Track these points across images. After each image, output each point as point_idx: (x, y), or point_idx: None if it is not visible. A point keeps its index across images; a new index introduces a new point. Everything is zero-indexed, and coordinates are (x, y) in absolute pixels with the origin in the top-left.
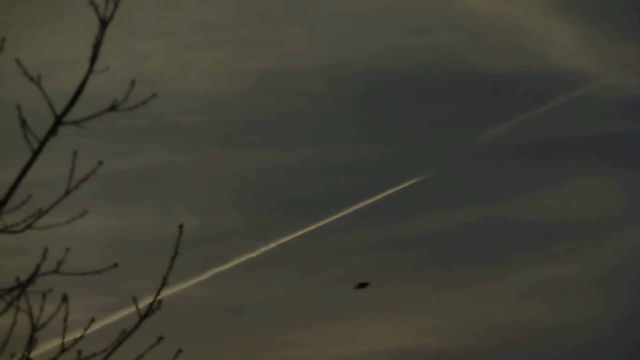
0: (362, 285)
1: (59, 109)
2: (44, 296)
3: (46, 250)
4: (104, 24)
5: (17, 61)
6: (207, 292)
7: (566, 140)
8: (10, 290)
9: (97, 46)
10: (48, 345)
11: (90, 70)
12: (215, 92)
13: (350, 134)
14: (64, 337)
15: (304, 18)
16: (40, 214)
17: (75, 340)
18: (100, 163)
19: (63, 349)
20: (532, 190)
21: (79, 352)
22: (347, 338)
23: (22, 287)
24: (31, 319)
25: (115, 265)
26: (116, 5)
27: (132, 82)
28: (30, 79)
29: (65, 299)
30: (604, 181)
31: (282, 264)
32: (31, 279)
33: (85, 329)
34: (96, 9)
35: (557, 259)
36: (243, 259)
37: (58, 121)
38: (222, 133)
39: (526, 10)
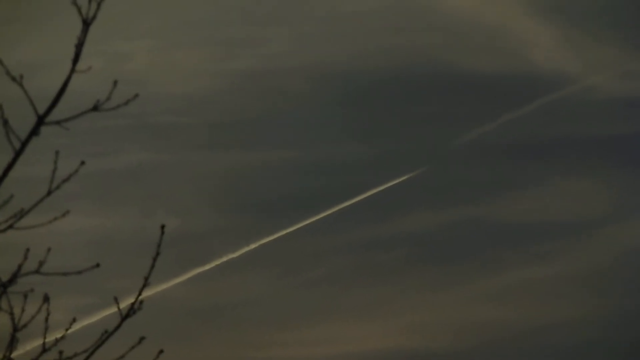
0: None
1: (42, 109)
2: (25, 296)
3: (28, 250)
4: (86, 24)
5: (0, 61)
6: (189, 293)
7: (549, 141)
8: None
9: (79, 46)
10: (29, 345)
11: (72, 71)
12: (198, 92)
13: (333, 134)
14: (45, 337)
15: (288, 18)
16: (22, 214)
17: (57, 341)
18: (82, 163)
19: (44, 349)
20: (515, 191)
21: (61, 352)
22: (329, 338)
23: (3, 287)
24: (12, 319)
25: (97, 265)
26: (99, 5)
27: (115, 82)
28: (13, 79)
29: (46, 299)
30: (587, 182)
31: (263, 264)
32: (13, 279)
33: (67, 329)
34: (79, 9)
35: (540, 260)
36: (225, 259)
37: (40, 121)
38: (205, 133)
39: (509, 12)
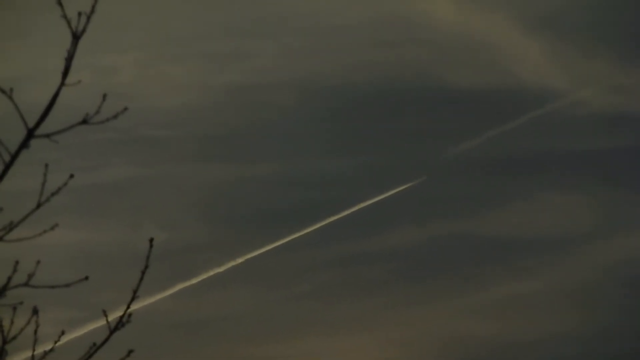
0: None
1: (31, 122)
2: (14, 309)
3: (17, 263)
4: (76, 37)
5: None
6: (175, 306)
7: (535, 156)
8: None
9: (69, 60)
10: (18, 357)
11: (62, 84)
12: (184, 105)
13: (318, 148)
14: (34, 350)
15: (274, 32)
16: (11, 226)
17: (45, 353)
18: (71, 176)
19: None
20: (499, 206)
21: None
22: (314, 352)
23: None
24: (2, 331)
25: (86, 278)
26: (88, 19)
27: (104, 96)
28: (2, 91)
29: (35, 311)
30: (572, 197)
31: (249, 279)
32: (2, 292)
33: (56, 342)
34: (68, 22)
35: (524, 275)
36: (211, 273)
37: (30, 134)
38: (191, 147)
39: (495, 26)
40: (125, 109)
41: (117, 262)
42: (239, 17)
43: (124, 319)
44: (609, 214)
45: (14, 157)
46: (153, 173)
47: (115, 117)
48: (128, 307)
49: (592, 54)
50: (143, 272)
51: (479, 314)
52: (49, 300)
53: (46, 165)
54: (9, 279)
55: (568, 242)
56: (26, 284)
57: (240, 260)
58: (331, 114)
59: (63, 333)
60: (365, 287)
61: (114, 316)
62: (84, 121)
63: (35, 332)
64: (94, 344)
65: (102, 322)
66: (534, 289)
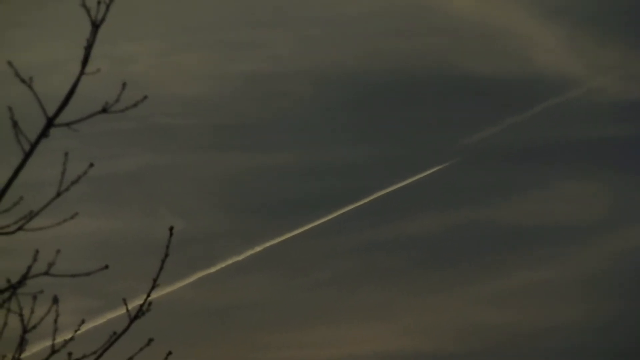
0: None
1: (51, 111)
2: (34, 298)
3: (37, 252)
4: (95, 26)
5: (9, 63)
6: (195, 295)
7: (552, 144)
8: (1, 292)
9: (88, 48)
10: (38, 346)
11: (82, 73)
12: (202, 94)
13: (337, 137)
14: (54, 339)
15: (291, 21)
16: (31, 215)
17: (66, 342)
18: (91, 165)
19: (53, 350)
20: (518, 194)
21: (70, 354)
22: (333, 340)
23: (13, 288)
24: (22, 320)
25: (106, 267)
26: (108, 7)
27: (124, 84)
28: (22, 80)
29: (56, 300)
30: (591, 185)
31: (268, 267)
32: (22, 281)
33: (76, 331)
34: (88, 11)
35: (542, 263)
36: (229, 262)
37: (50, 123)
38: (209, 136)
39: (513, 14)
40: (145, 97)
41: (136, 250)
42: (257, 6)
43: (144, 308)
44: (627, 201)
45: (34, 146)
46: (171, 162)
47: (135, 105)
48: (148, 296)
49: (610, 42)
50: (163, 261)
51: (498, 302)
52: (68, 289)
53: (66, 154)
54: (29, 268)
55: (586, 230)
56: (46, 273)
57: (259, 248)
58: (349, 103)
59: (83, 322)
60: (385, 275)
61: (133, 305)
62: (104, 110)
63: (56, 321)
64: (114, 333)
65: (121, 311)
66: (552, 277)
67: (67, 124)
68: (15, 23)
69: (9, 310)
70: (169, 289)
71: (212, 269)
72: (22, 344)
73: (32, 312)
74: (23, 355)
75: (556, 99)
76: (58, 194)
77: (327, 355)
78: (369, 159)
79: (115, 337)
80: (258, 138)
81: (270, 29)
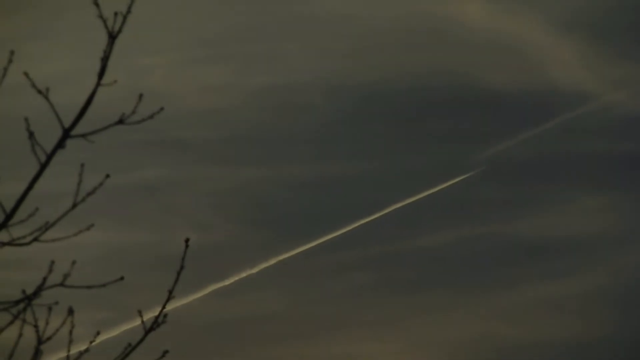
0: None
1: (67, 122)
2: (49, 309)
3: (52, 263)
4: (112, 37)
5: (26, 74)
6: (208, 307)
7: (565, 158)
8: (17, 303)
9: (105, 60)
10: (53, 358)
11: (98, 84)
12: (215, 107)
13: (350, 150)
14: (69, 350)
15: (304, 34)
16: (47, 227)
17: (81, 353)
18: (107, 176)
19: None
20: (530, 208)
21: None
22: (346, 353)
23: (28, 300)
24: (37, 331)
25: (121, 278)
26: (124, 19)
27: (140, 96)
28: (39, 91)
29: (71, 312)
30: (604, 200)
31: (281, 280)
32: (37, 292)
33: (91, 342)
34: (105, 22)
35: (555, 277)
36: (243, 275)
37: (66, 134)
38: (222, 148)
39: (527, 27)
40: (162, 109)
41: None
42: (270, 19)
43: (160, 319)
44: None
45: (50, 156)
46: (184, 174)
47: (151, 117)
48: (163, 308)
49: (626, 56)
50: (179, 273)
51: (510, 316)
52: (83, 301)
53: (82, 165)
54: (45, 279)
55: (600, 245)
56: (62, 284)
57: (272, 261)
58: (364, 116)
59: (98, 333)
60: (397, 289)
61: (148, 317)
62: (121, 121)
63: (71, 332)
64: (129, 345)
65: (136, 323)
66: (564, 291)
67: (84, 135)
68: (32, 34)
69: (24, 321)
70: (183, 301)
71: (226, 282)
72: (37, 355)
73: (47, 323)
74: None
75: (570, 113)
76: (74, 205)
77: None
78: (383, 173)
79: (130, 349)
80: (271, 150)
81: (286, 42)
